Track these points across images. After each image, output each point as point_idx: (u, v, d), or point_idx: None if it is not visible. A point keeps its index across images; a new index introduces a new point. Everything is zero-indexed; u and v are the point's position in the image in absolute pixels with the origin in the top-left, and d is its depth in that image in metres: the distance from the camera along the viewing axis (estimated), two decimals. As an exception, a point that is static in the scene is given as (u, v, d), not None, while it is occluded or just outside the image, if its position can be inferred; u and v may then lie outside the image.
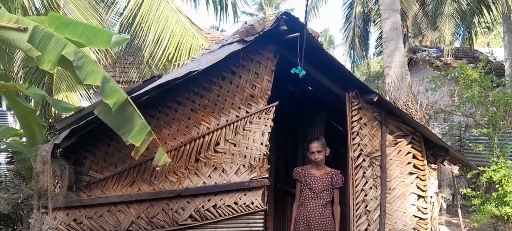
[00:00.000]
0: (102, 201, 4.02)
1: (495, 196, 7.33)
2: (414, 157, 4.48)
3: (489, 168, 7.48)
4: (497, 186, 7.37)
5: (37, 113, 6.71)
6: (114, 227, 4.02)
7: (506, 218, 7.36)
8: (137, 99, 3.77)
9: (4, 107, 14.39)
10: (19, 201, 4.91)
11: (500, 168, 7.29)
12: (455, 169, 4.95)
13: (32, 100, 6.87)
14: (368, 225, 4.40)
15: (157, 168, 3.66)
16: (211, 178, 4.15)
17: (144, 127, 3.57)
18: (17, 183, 4.33)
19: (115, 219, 4.03)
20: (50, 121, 6.33)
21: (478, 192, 8.13)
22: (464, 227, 8.67)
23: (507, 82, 10.42)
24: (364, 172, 4.41)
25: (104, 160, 4.06)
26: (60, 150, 3.94)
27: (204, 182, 4.14)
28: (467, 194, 7.89)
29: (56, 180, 3.80)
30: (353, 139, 4.41)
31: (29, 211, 4.35)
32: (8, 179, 5.81)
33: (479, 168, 7.08)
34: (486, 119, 9.13)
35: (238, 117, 4.20)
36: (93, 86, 7.12)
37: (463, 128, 10.26)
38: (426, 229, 4.44)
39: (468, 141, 8.99)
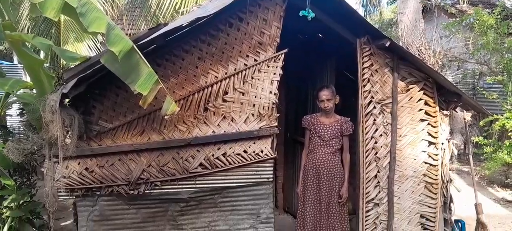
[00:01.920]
0: (112, 150, 4.04)
1: (508, 144, 7.30)
2: (426, 103, 4.40)
3: (503, 116, 7.41)
4: (509, 133, 7.32)
5: (46, 65, 6.72)
6: (126, 175, 4.06)
7: (517, 165, 7.35)
8: (143, 48, 3.71)
9: (15, 61, 14.45)
10: (32, 151, 4.97)
11: (514, 115, 7.21)
12: (468, 116, 4.88)
13: (41, 52, 6.86)
14: (378, 171, 4.40)
15: (165, 117, 3.65)
16: (220, 127, 4.14)
17: (151, 75, 3.53)
18: (29, 134, 4.35)
19: (127, 168, 4.07)
20: (58, 72, 6.32)
21: (490, 140, 8.10)
22: (475, 175, 8.69)
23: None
24: (374, 119, 4.36)
25: (113, 109, 4.06)
26: (68, 99, 3.94)
27: (213, 131, 4.13)
28: (479, 142, 7.87)
29: (66, 130, 3.81)
30: (364, 86, 4.34)
31: (42, 161, 4.40)
32: (20, 130, 5.89)
33: (492, 115, 7.01)
34: (500, 66, 8.95)
35: (246, 65, 4.13)
36: (100, 36, 7.07)
37: (477, 76, 10.09)
38: (436, 175, 4.43)
39: (481, 89, 8.86)
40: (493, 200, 7.14)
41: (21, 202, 5.24)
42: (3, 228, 5.02)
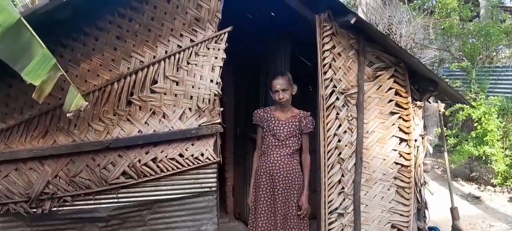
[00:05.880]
0: (6, 157, 3.12)
1: (474, 135, 6.85)
2: (396, 93, 3.74)
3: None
4: (475, 124, 6.88)
5: None
6: (25, 189, 3.16)
7: (483, 158, 6.92)
8: (41, 24, 2.79)
9: None
10: None
11: (480, 105, 6.77)
12: (442, 107, 4.27)
13: None
14: (342, 175, 3.70)
15: (68, 115, 2.74)
16: (148, 125, 3.29)
17: (46, 58, 2.62)
18: None
19: (26, 180, 3.17)
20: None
21: (453, 131, 7.67)
22: (438, 168, 8.26)
23: (482, 14, 9.85)
24: (337, 113, 3.65)
25: (6, 104, 3.14)
26: None
27: (139, 130, 3.28)
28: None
29: None
30: (325, 72, 3.61)
31: None
32: None
33: (474, 105, 6.58)
34: (461, 52, 8.57)
35: (180, 46, 3.29)
36: None
37: (436, 63, 9.67)
38: (409, 178, 3.78)
39: (444, 77, 8.41)
40: (460, 196, 6.66)
41: None
42: None
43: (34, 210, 3.18)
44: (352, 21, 3.32)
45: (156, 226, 3.42)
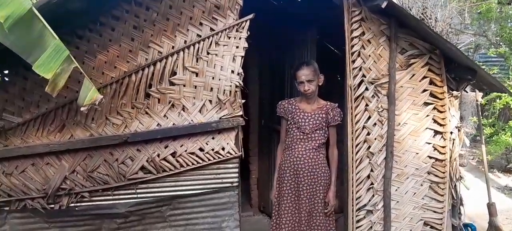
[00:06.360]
0: (23, 152, 3.05)
1: (512, 125, 6.50)
2: (431, 82, 3.48)
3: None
4: (513, 113, 6.52)
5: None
6: (42, 184, 3.09)
7: (523, 149, 6.56)
8: (55, 15, 2.69)
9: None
10: None
11: (519, 92, 6.37)
12: (480, 96, 3.98)
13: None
14: (371, 170, 3.48)
15: (82, 109, 2.63)
16: (167, 118, 3.17)
17: (59, 50, 2.51)
18: None
19: (43, 175, 3.10)
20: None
21: (489, 120, 7.30)
22: (472, 159, 7.89)
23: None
24: (366, 104, 3.43)
25: (22, 98, 3.06)
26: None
27: (158, 123, 3.16)
28: (476, 122, 7.06)
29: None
30: (353, 61, 3.38)
31: None
32: None
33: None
34: (498, 37, 8.12)
35: (200, 36, 3.14)
36: None
37: (472, 48, 9.22)
38: (443, 172, 3.53)
39: (479, 63, 8.00)
40: (496, 188, 6.33)
41: None
42: None
43: (52, 206, 3.12)
44: (383, 5, 3.07)
45: (176, 223, 3.32)
